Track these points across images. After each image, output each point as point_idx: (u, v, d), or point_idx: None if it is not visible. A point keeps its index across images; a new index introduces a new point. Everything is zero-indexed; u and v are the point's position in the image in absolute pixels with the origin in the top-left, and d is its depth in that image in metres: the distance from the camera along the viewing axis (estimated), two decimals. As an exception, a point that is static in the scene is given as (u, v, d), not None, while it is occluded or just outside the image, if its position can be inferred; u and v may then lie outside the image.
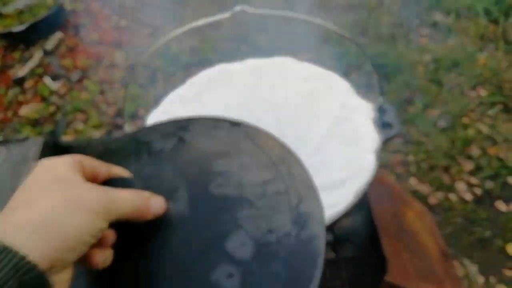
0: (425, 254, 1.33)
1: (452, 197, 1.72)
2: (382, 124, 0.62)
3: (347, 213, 0.52)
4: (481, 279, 1.50)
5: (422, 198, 1.72)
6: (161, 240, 0.38)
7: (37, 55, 2.32)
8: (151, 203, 0.36)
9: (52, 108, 2.17)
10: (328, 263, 0.63)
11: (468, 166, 1.81)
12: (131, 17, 2.65)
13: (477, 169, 1.80)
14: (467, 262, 1.55)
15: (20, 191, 0.31)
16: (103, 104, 2.20)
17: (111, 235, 0.35)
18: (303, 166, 0.42)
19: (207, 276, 0.35)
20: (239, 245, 0.37)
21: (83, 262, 0.32)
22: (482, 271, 1.52)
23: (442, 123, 1.94)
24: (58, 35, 2.41)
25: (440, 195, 1.73)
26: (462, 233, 1.63)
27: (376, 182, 1.26)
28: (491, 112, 2.00)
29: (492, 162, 1.80)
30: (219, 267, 0.36)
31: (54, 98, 2.21)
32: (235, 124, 0.47)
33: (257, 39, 2.39)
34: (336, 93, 0.69)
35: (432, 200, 1.72)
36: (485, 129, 1.92)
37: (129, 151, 0.48)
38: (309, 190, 0.40)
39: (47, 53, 2.35)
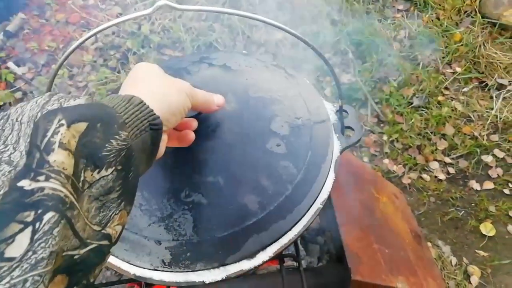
0: (397, 241, 1.33)
1: (426, 177, 1.72)
2: (342, 129, 0.59)
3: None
4: (454, 260, 1.51)
5: (395, 179, 1.72)
6: (225, 126, 0.55)
7: (-1, 38, 2.20)
8: (215, 98, 0.50)
9: (18, 95, 2.08)
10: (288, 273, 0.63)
11: (442, 145, 1.80)
12: (99, -5, 2.53)
13: (451, 148, 1.79)
14: (440, 243, 1.57)
15: (129, 78, 0.43)
16: (72, 88, 2.11)
17: (195, 122, 0.49)
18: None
19: (263, 145, 0.54)
20: (279, 126, 0.56)
21: (179, 138, 0.47)
22: (455, 252, 1.54)
23: (416, 102, 1.92)
24: (20, 16, 2.28)
25: (413, 175, 1.73)
26: (436, 213, 1.63)
27: (345, 171, 1.23)
28: (466, 89, 1.98)
29: (466, 141, 1.80)
30: (270, 140, 0.54)
31: (20, 84, 2.12)
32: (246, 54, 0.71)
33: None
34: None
35: (406, 180, 1.71)
36: (459, 106, 1.91)
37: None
38: (315, 95, 0.63)
39: (9, 35, 2.23)
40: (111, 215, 0.31)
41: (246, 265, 0.48)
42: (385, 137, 1.83)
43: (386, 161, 1.77)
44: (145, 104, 0.36)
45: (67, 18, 2.33)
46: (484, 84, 2.00)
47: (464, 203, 1.65)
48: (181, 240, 0.48)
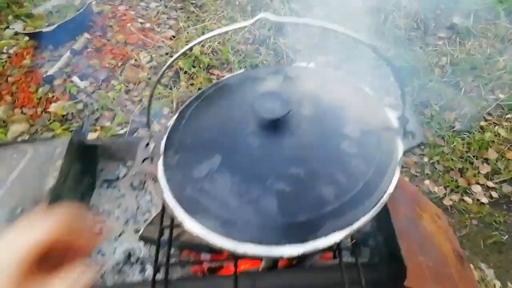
0: (440, 257, 1.35)
1: (468, 199, 1.73)
2: (404, 133, 0.66)
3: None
4: (498, 284, 1.51)
5: (436, 200, 1.74)
6: (304, 128, 0.64)
7: (65, 55, 2.43)
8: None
9: (79, 106, 2.27)
10: (346, 267, 0.69)
11: (485, 169, 1.81)
12: (155, 20, 2.74)
13: (494, 173, 1.80)
14: (483, 266, 1.57)
15: None
16: (128, 102, 2.29)
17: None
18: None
19: (338, 146, 0.62)
20: (351, 130, 0.64)
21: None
22: (499, 276, 1.53)
23: (458, 126, 1.95)
24: (85, 36, 2.51)
25: (455, 197, 1.74)
26: (478, 236, 1.64)
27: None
28: (510, 115, 2.00)
29: (509, 166, 1.80)
30: (343, 141, 0.62)
31: (82, 96, 2.31)
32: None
33: (275, 41, 2.44)
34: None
35: (447, 202, 1.73)
36: (503, 132, 1.92)
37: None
38: (379, 104, 0.71)
39: (75, 53, 2.45)
40: None
41: (320, 243, 0.55)
42: (425, 159, 1.86)
43: (427, 182, 1.80)
44: None
45: (126, 39, 2.54)
46: (528, 111, 2.00)
47: (508, 227, 1.64)
48: (266, 221, 0.57)
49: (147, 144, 0.72)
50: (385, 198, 0.59)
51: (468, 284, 1.41)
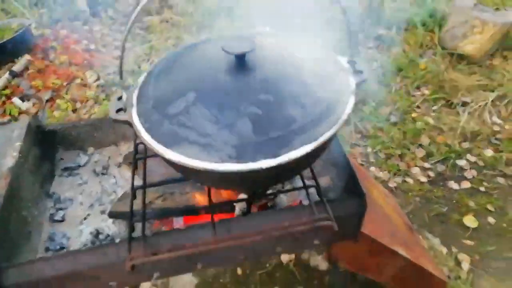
0: (393, 225, 1.47)
1: (409, 180, 1.90)
2: (354, 71, 0.77)
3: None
4: (444, 250, 1.65)
5: (382, 183, 1.88)
6: (271, 66, 0.71)
7: (3, 76, 2.34)
8: None
9: (22, 127, 2.17)
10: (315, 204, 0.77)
11: (420, 153, 2.01)
12: (100, 41, 2.75)
13: (428, 155, 2.00)
14: (429, 236, 1.70)
15: None
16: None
17: None
18: None
19: (301, 79, 0.70)
20: (311, 70, 0.72)
21: None
22: (444, 243, 1.67)
23: (393, 118, 2.16)
24: (26, 58, 2.45)
25: (398, 179, 1.90)
26: (422, 210, 1.79)
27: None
28: (435, 107, 2.25)
29: (441, 148, 2.01)
30: (305, 76, 0.70)
31: (24, 117, 2.22)
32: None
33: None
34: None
35: (392, 184, 1.88)
36: (431, 121, 2.15)
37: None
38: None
39: (14, 75, 2.37)
40: None
41: (292, 155, 0.62)
42: (369, 149, 2.03)
43: (372, 168, 1.95)
44: None
45: (70, 59, 2.51)
46: (450, 102, 2.27)
47: (446, 200, 1.82)
48: (242, 140, 0.62)
49: (120, 98, 0.75)
50: (344, 117, 0.68)
51: (420, 248, 1.54)
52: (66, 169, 1.10)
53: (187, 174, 0.73)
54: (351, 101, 0.70)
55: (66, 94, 2.33)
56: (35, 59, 2.48)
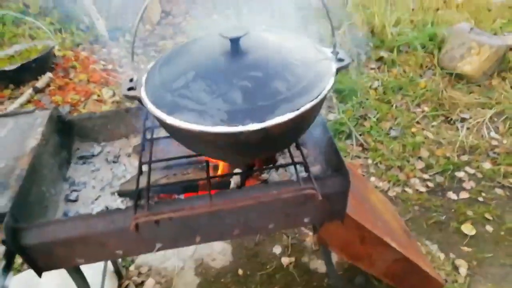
0: (389, 228, 1.51)
1: (408, 190, 1.95)
2: (337, 59, 0.87)
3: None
4: (442, 256, 1.67)
5: (382, 193, 1.94)
6: (260, 52, 0.80)
7: (27, 92, 2.52)
8: None
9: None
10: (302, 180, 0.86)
11: (420, 165, 2.07)
12: (117, 62, 2.94)
13: (428, 167, 2.06)
14: (428, 242, 1.74)
15: None
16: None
17: None
18: None
19: (287, 61, 0.79)
20: (298, 54, 0.81)
21: None
22: (442, 249, 1.70)
23: (393, 133, 2.23)
24: (48, 75, 2.63)
25: (397, 189, 1.95)
26: (420, 218, 1.83)
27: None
28: (435, 123, 2.32)
29: (440, 161, 2.07)
30: (291, 60, 0.80)
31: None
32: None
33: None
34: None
35: (391, 193, 1.93)
36: (431, 135, 2.22)
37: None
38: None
39: (37, 90, 2.55)
40: None
41: (278, 120, 0.71)
42: (369, 161, 2.10)
43: (372, 179, 2.01)
44: None
45: (89, 77, 2.69)
46: (449, 119, 2.35)
47: (445, 209, 1.86)
48: (234, 107, 0.72)
49: (131, 79, 0.87)
50: (324, 92, 0.77)
51: (416, 250, 1.57)
52: (81, 157, 1.21)
53: (186, 142, 0.82)
54: (331, 81, 0.80)
55: (83, 108, 2.49)
56: (56, 77, 2.67)
